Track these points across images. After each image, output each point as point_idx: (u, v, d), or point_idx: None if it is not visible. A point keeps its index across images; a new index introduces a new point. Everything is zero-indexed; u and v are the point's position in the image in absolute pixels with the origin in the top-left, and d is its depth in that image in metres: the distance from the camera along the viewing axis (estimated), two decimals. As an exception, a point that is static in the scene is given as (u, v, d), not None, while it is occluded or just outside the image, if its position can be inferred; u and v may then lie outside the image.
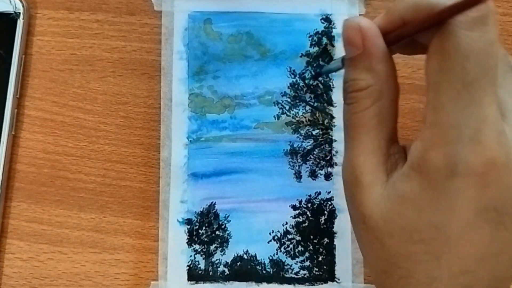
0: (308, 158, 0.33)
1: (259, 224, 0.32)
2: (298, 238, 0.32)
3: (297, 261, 0.32)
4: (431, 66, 0.20)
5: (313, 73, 0.33)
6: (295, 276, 0.32)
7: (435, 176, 0.19)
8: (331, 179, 0.33)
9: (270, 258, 0.32)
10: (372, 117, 0.21)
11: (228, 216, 0.32)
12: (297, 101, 0.33)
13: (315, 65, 0.33)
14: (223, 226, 0.32)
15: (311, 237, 0.32)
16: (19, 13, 0.33)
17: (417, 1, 0.20)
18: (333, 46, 0.34)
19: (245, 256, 0.32)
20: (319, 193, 0.33)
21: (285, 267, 0.32)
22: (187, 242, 0.32)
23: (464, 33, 0.18)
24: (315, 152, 0.33)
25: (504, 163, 0.19)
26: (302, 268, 0.32)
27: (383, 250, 0.21)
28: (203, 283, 0.32)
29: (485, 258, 0.20)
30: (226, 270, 0.32)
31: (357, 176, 0.21)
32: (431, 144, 0.19)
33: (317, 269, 0.32)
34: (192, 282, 0.32)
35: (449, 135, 0.19)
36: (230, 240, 0.32)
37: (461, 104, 0.19)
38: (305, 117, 0.33)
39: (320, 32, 0.34)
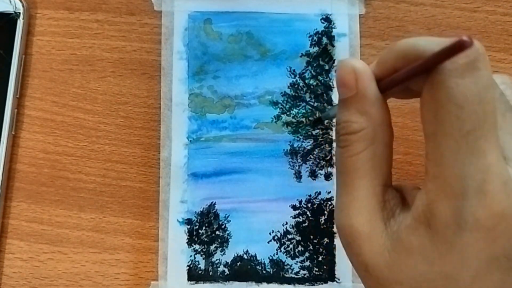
0: (308, 158, 0.33)
1: (259, 224, 0.32)
2: (298, 238, 0.32)
3: (297, 261, 0.32)
4: (426, 116, 0.19)
5: (310, 119, 0.33)
6: (295, 276, 0.32)
7: (444, 230, 0.19)
8: (331, 179, 0.33)
9: (270, 258, 0.32)
10: (365, 162, 0.21)
11: (228, 216, 0.32)
12: (297, 101, 0.33)
13: (315, 65, 0.33)
14: (223, 226, 0.32)
15: (311, 237, 0.32)
16: (19, 13, 0.33)
17: (406, 48, 0.20)
18: (333, 46, 0.34)
19: (245, 256, 0.32)
20: (319, 193, 0.33)
21: (285, 267, 0.32)
22: (187, 242, 0.32)
23: (455, 81, 0.18)
24: (315, 152, 0.33)
25: None
26: (302, 268, 0.32)
27: None
28: (203, 283, 0.32)
29: None
30: (226, 270, 0.32)
31: (353, 225, 0.21)
32: (436, 197, 0.19)
33: (317, 269, 0.32)
34: (192, 282, 0.32)
35: (454, 188, 0.18)
36: (230, 240, 0.32)
37: (462, 155, 0.18)
38: (305, 117, 0.33)
39: (320, 32, 0.34)
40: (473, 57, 0.17)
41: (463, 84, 0.18)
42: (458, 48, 0.17)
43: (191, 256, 0.32)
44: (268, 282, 0.32)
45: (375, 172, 0.21)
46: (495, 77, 0.21)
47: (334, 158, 0.33)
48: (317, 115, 0.33)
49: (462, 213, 0.18)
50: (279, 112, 0.33)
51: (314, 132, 0.33)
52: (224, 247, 0.32)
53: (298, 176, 0.33)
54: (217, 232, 0.32)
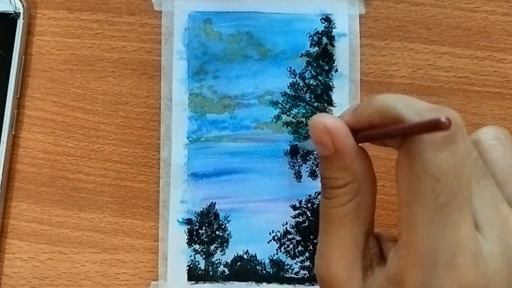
0: (308, 158, 0.33)
1: (259, 224, 0.32)
2: (298, 238, 0.32)
3: (297, 261, 0.32)
4: (401, 183, 0.19)
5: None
6: (295, 276, 0.32)
7: None
8: (331, 179, 0.33)
9: (270, 258, 0.32)
10: (350, 212, 0.21)
11: (228, 216, 0.32)
12: (297, 101, 0.33)
13: (315, 65, 0.33)
14: (223, 226, 0.32)
15: (311, 237, 0.32)
16: (19, 13, 0.33)
17: (383, 107, 0.19)
18: (333, 46, 0.34)
19: (245, 256, 0.32)
20: (319, 193, 0.33)
21: (285, 267, 0.32)
22: (187, 242, 0.32)
23: (432, 154, 0.18)
24: (315, 152, 0.33)
25: (481, 286, 0.18)
26: (302, 268, 0.32)
27: None
28: (203, 283, 0.32)
29: None
30: (226, 270, 0.32)
31: (331, 272, 0.21)
32: (406, 264, 0.19)
33: (317, 269, 0.32)
34: (192, 282, 0.32)
35: (425, 259, 0.19)
36: (230, 240, 0.32)
37: (435, 228, 0.18)
38: (305, 117, 0.33)
39: (320, 32, 0.34)
40: (452, 132, 0.17)
41: (440, 157, 0.18)
42: (435, 126, 0.17)
43: (191, 256, 0.32)
44: (268, 282, 0.32)
45: (359, 221, 0.21)
46: (489, 129, 0.21)
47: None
48: (295, 143, 0.33)
49: (430, 284, 0.18)
50: (279, 112, 0.33)
51: (314, 132, 0.33)
52: (224, 247, 0.32)
53: (298, 176, 0.33)
54: (217, 232, 0.32)
